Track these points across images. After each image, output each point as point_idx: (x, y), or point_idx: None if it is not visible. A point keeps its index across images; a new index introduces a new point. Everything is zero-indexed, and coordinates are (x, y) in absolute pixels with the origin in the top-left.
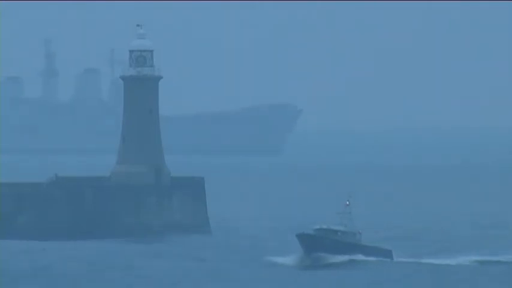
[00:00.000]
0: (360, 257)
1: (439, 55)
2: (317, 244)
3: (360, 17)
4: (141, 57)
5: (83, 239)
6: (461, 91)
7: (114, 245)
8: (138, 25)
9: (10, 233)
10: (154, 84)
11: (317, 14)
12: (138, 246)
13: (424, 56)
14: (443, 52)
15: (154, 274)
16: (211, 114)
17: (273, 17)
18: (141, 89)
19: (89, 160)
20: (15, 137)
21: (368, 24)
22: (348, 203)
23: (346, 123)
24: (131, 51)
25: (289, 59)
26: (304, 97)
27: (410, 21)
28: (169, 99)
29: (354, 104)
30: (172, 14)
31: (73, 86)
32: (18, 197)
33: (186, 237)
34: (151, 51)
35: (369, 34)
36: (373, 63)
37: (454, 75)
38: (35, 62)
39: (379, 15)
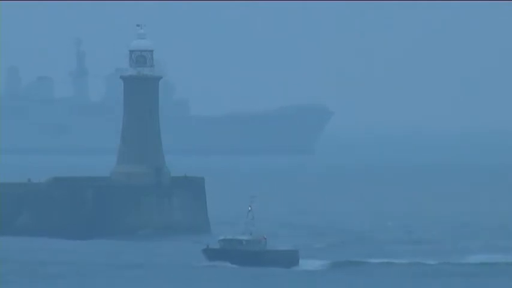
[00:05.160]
0: (265, 263)
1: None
2: (222, 257)
3: (387, 16)
4: (141, 57)
5: (82, 239)
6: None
7: (114, 245)
8: (138, 25)
9: (10, 233)
10: (154, 85)
11: (343, 13)
12: (138, 246)
13: (449, 58)
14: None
15: (153, 274)
16: (243, 115)
17: (299, 16)
18: (141, 89)
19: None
20: (46, 137)
21: (394, 24)
22: (250, 208)
23: (375, 124)
24: (131, 51)
25: (317, 59)
26: (335, 98)
27: (432, 21)
28: (199, 99)
29: (384, 105)
30: (186, 13)
31: (104, 86)
32: (18, 197)
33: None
34: (151, 51)
35: (393, 34)
36: (398, 67)
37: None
38: (66, 61)
39: (407, 12)
